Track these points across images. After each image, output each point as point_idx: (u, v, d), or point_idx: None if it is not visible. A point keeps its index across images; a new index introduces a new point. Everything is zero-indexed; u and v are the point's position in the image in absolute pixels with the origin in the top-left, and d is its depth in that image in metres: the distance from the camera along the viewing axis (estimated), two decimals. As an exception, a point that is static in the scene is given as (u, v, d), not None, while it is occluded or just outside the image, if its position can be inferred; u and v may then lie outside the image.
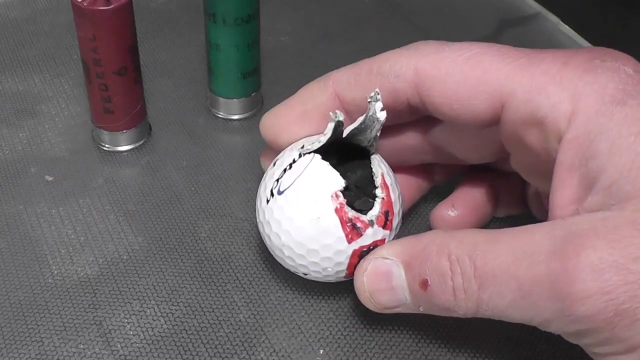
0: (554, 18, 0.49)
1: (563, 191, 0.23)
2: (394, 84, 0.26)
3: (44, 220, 0.33)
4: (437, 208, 0.31)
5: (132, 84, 0.35)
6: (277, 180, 0.27)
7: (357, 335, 0.29)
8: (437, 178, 0.32)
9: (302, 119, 0.28)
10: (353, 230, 0.26)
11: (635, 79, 0.22)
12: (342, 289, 0.31)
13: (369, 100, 0.26)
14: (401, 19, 0.48)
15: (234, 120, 0.40)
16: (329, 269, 0.27)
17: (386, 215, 0.26)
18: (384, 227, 0.26)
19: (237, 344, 0.29)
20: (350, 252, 0.26)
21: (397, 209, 0.27)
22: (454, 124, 0.27)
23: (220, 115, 0.40)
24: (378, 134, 0.26)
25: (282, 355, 0.28)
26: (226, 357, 0.28)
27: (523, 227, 0.23)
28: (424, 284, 0.24)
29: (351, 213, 0.26)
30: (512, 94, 0.24)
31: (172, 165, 0.37)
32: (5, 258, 0.31)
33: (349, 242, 0.26)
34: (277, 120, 0.29)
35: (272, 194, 0.27)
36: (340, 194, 0.26)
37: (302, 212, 0.26)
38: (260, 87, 0.40)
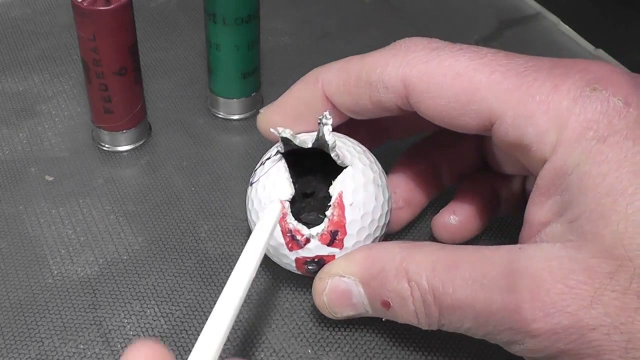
0: (554, 18, 0.49)
1: (536, 211, 0.24)
2: (383, 96, 0.26)
3: (44, 220, 0.33)
4: (438, 215, 0.31)
5: (132, 84, 0.35)
6: (255, 170, 0.28)
7: (357, 335, 0.29)
8: (446, 183, 0.32)
9: (296, 121, 0.29)
10: (292, 241, 0.26)
11: (622, 111, 0.22)
12: (342, 289, 0.31)
13: (318, 122, 0.26)
14: (401, 19, 0.48)
15: (234, 120, 0.40)
16: (284, 265, 0.28)
17: (333, 234, 0.26)
18: (330, 245, 0.26)
19: (237, 344, 0.29)
20: (293, 258, 0.27)
21: (354, 229, 0.26)
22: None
23: (220, 115, 0.40)
24: (333, 154, 0.26)
25: (282, 356, 0.28)
26: (226, 357, 0.28)
27: (482, 251, 0.24)
28: (386, 305, 0.25)
29: (292, 225, 0.26)
30: (500, 117, 0.24)
31: (172, 165, 0.37)
32: (5, 258, 0.32)
33: (290, 250, 0.26)
34: (271, 117, 0.29)
35: (250, 182, 0.28)
36: (286, 204, 0.26)
37: (258, 210, 0.27)
38: (260, 87, 0.40)
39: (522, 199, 0.32)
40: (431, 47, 0.26)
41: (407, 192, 0.31)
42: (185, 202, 0.35)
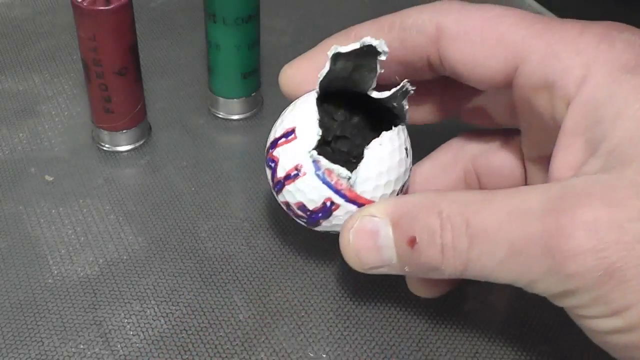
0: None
1: (565, 156, 0.23)
2: (415, 39, 0.26)
3: (44, 220, 0.33)
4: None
5: (132, 84, 0.35)
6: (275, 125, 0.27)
7: (358, 335, 0.29)
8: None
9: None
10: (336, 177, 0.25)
11: None
12: (343, 289, 0.31)
13: (400, 89, 0.26)
14: (401, 19, 0.48)
15: (234, 120, 0.40)
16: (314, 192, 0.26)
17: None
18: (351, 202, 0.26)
19: (237, 344, 0.29)
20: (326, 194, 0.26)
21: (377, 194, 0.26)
22: (469, 83, 0.27)
23: (220, 115, 0.40)
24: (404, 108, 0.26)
25: (282, 355, 0.28)
26: (226, 357, 0.28)
27: (517, 187, 0.23)
28: (412, 242, 0.24)
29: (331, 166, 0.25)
30: (526, 57, 0.24)
31: (172, 165, 0.37)
32: (5, 258, 0.31)
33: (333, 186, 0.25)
34: (297, 71, 0.29)
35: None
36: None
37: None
38: (260, 87, 0.40)
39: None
40: (464, 3, 0.27)
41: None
42: (185, 202, 0.35)
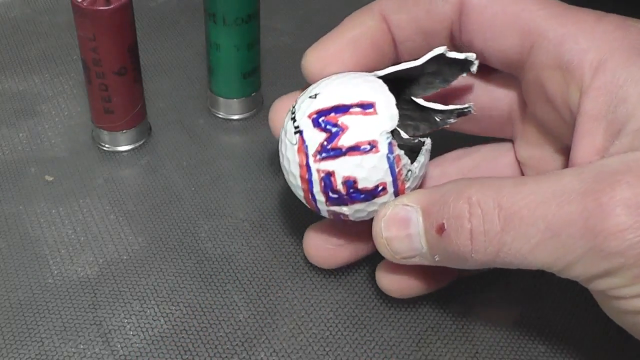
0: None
1: (587, 141, 0.23)
2: (441, 8, 0.27)
3: (44, 220, 0.33)
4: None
5: (132, 84, 0.35)
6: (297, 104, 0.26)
7: (358, 335, 0.29)
8: None
9: (353, 46, 0.27)
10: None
11: None
12: (343, 289, 0.31)
13: (464, 109, 0.26)
14: (401, 19, 0.48)
15: (234, 120, 0.40)
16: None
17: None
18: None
19: (237, 344, 0.29)
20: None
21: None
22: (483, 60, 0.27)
23: (220, 115, 0.40)
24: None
25: (282, 355, 0.28)
26: (226, 357, 0.28)
27: (546, 173, 0.23)
28: (440, 229, 0.23)
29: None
30: (543, 35, 0.24)
31: (172, 165, 0.37)
32: (5, 258, 0.31)
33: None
34: (326, 50, 0.28)
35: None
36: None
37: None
38: (260, 87, 0.40)
39: None
40: None
41: None
42: (185, 202, 0.35)
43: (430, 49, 0.26)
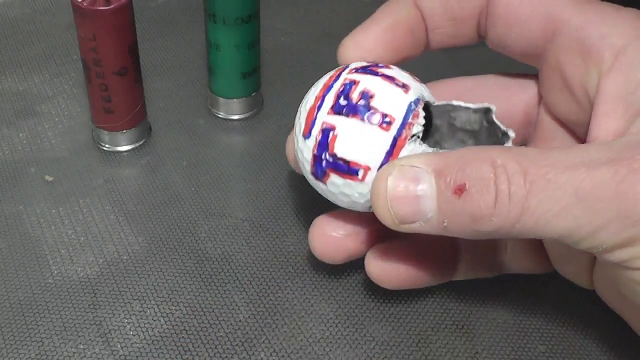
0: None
1: (606, 120, 0.23)
2: None
3: (44, 220, 0.33)
4: None
5: (132, 84, 0.36)
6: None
7: (357, 335, 0.29)
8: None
9: (390, 33, 0.28)
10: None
11: None
12: (343, 289, 0.31)
13: (502, 132, 0.25)
14: (401, 19, 0.48)
15: (234, 120, 0.40)
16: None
17: None
18: None
19: (237, 344, 0.29)
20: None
21: None
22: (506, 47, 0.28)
23: (220, 115, 0.40)
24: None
25: (282, 355, 0.28)
26: (226, 357, 0.28)
27: (572, 145, 0.24)
28: (460, 189, 0.22)
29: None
30: (565, 21, 0.25)
31: (172, 165, 0.37)
32: (5, 258, 0.32)
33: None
34: (364, 37, 0.28)
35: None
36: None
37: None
38: (260, 87, 0.40)
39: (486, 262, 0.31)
40: None
41: None
42: (185, 202, 0.35)
43: (459, 38, 0.28)
